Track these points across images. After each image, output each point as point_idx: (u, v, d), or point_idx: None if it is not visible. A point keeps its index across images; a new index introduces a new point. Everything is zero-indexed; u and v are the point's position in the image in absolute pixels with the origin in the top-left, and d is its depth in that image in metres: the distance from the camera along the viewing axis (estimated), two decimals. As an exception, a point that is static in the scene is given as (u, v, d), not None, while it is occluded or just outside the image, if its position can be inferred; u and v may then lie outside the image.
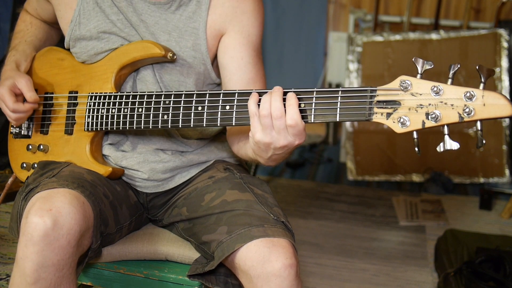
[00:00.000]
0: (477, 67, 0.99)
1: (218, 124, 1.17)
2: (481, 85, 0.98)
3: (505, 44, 3.15)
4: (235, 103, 1.15)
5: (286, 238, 1.18)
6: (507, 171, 3.13)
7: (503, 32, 3.16)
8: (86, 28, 1.33)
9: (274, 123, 1.07)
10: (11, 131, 1.45)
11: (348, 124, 3.25)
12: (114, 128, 1.30)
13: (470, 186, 3.14)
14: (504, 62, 3.14)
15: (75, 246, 1.13)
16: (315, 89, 1.08)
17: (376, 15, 3.46)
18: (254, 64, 1.34)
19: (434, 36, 3.19)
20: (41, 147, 1.39)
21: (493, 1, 3.49)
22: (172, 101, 1.21)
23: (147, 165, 1.37)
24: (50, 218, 1.10)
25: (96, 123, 1.31)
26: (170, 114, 1.21)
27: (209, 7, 1.31)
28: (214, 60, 1.37)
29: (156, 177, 1.38)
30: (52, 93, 1.40)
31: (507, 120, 3.14)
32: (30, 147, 1.41)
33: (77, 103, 1.36)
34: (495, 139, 3.14)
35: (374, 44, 3.24)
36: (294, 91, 1.09)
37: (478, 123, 0.98)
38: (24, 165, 1.42)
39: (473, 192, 3.06)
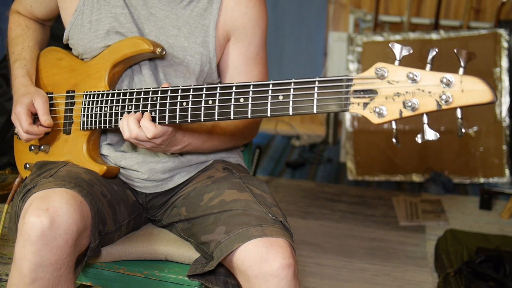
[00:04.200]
0: (455, 50, 0.93)
1: (202, 120, 1.15)
2: (461, 70, 0.93)
3: (505, 44, 3.15)
4: (217, 97, 1.13)
5: (284, 238, 1.18)
6: (507, 171, 3.12)
7: (503, 32, 3.16)
8: (88, 19, 1.32)
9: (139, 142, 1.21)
10: (16, 132, 1.45)
11: (348, 124, 3.24)
12: (107, 127, 1.29)
13: (470, 186, 3.13)
14: (504, 62, 3.14)
15: (72, 245, 1.13)
16: (293, 80, 1.05)
17: (376, 15, 3.46)
18: (247, 72, 1.37)
19: (434, 36, 3.19)
20: (42, 147, 1.39)
21: (493, 1, 3.48)
22: (159, 97, 1.20)
23: (146, 165, 1.36)
24: (47, 218, 1.10)
25: (91, 121, 1.31)
26: (157, 110, 1.20)
27: (220, 7, 1.32)
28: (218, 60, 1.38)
29: (155, 177, 1.38)
30: (52, 93, 1.40)
31: (507, 120, 3.13)
32: (32, 147, 1.41)
33: (74, 102, 1.36)
34: (495, 139, 3.14)
35: (374, 44, 3.24)
36: (271, 83, 1.07)
37: (458, 111, 0.93)
38: (27, 165, 1.42)
39: (473, 192, 3.06)
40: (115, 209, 1.31)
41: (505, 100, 3.13)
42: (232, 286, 1.26)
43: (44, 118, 1.34)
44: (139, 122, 1.20)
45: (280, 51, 3.95)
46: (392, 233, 2.58)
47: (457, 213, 2.79)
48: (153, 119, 1.20)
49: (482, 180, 3.13)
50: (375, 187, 3.13)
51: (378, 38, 3.24)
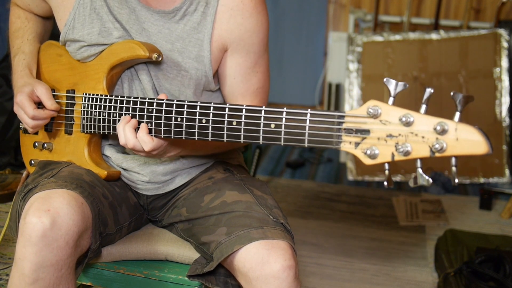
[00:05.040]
0: (451, 94, 0.90)
1: (196, 138, 1.14)
2: (457, 115, 0.90)
3: (505, 44, 3.15)
4: (211, 117, 1.12)
5: (285, 240, 1.18)
6: (507, 171, 3.12)
7: (503, 32, 3.16)
8: (79, 33, 1.31)
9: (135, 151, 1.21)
10: (21, 126, 1.45)
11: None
12: (106, 133, 1.29)
13: (470, 186, 3.13)
14: (504, 62, 3.14)
15: (73, 246, 1.13)
16: (285, 110, 1.04)
17: (376, 15, 3.46)
18: (245, 82, 1.35)
19: (434, 36, 3.19)
20: (45, 145, 1.39)
21: (493, 1, 3.49)
22: (154, 110, 1.19)
23: (147, 167, 1.36)
24: (48, 219, 1.10)
25: (90, 125, 1.30)
26: (153, 123, 1.19)
27: (214, 20, 1.28)
28: (215, 71, 1.36)
29: (157, 180, 1.38)
30: (53, 90, 1.39)
31: (507, 120, 3.14)
32: (37, 144, 1.41)
33: (74, 103, 1.35)
34: (495, 139, 3.14)
35: (374, 44, 3.24)
36: (263, 109, 1.06)
37: (453, 159, 0.90)
38: (32, 162, 1.42)
39: (473, 192, 3.06)
40: (116, 210, 1.31)
41: (505, 100, 3.14)
42: (232, 287, 1.26)
43: (50, 102, 1.31)
44: (135, 130, 1.19)
45: (280, 51, 3.95)
46: (392, 233, 2.58)
47: (457, 213, 2.79)
48: (149, 131, 1.20)
49: (482, 180, 3.13)
50: (375, 187, 3.13)
51: (378, 38, 3.24)
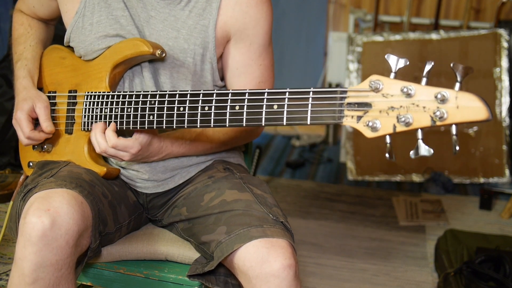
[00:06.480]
0: (451, 65, 0.92)
1: (198, 126, 1.15)
2: (457, 85, 0.91)
3: (505, 44, 3.15)
4: (213, 103, 1.13)
5: (285, 238, 1.18)
6: (507, 171, 3.12)
7: (503, 32, 3.16)
8: (89, 21, 1.32)
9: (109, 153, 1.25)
10: None
11: (348, 124, 3.24)
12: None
13: (470, 186, 3.13)
14: (504, 62, 3.14)
15: (73, 246, 1.13)
16: (288, 90, 1.05)
17: (376, 15, 3.46)
18: (247, 74, 1.35)
19: (434, 36, 3.19)
20: (45, 146, 1.39)
21: (493, 1, 3.49)
22: (157, 101, 1.20)
23: (147, 165, 1.36)
24: (48, 218, 1.10)
25: (91, 122, 1.31)
26: (155, 114, 1.20)
27: (220, 6, 1.30)
28: (219, 60, 1.37)
29: (156, 177, 1.38)
30: (55, 92, 1.40)
31: (507, 120, 3.14)
32: (36, 146, 1.41)
33: (76, 102, 1.36)
34: (495, 139, 3.14)
35: (374, 44, 3.24)
36: (266, 91, 1.07)
37: (453, 127, 0.92)
38: (31, 163, 1.42)
39: (473, 192, 3.06)
40: (116, 209, 1.31)
41: (505, 100, 3.14)
42: (232, 286, 1.26)
43: (46, 124, 1.34)
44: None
45: (280, 51, 3.95)
46: (392, 233, 2.58)
47: (457, 213, 2.79)
48: (151, 123, 1.20)
49: (482, 180, 3.14)
50: (375, 187, 3.13)
51: (378, 38, 3.24)
